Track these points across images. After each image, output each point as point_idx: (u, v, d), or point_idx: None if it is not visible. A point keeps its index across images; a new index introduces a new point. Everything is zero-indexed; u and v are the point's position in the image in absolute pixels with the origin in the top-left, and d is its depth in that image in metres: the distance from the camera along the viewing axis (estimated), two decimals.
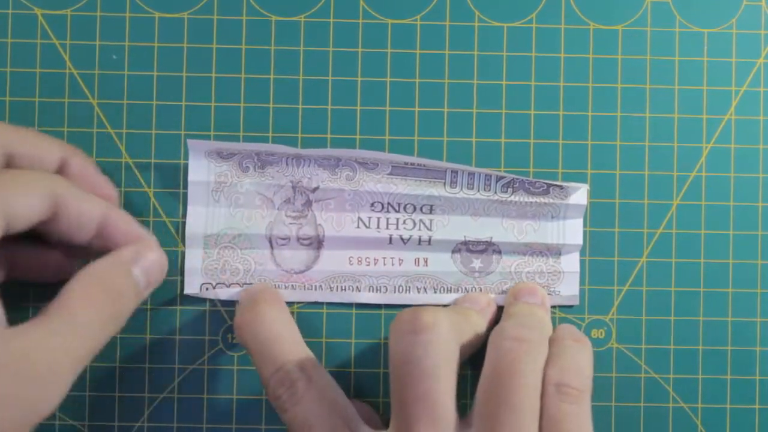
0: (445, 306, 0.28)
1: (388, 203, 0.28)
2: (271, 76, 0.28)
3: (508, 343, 0.24)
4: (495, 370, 0.23)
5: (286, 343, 0.25)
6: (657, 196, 0.28)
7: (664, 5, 0.29)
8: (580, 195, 0.28)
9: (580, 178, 0.28)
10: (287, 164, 0.28)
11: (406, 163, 0.27)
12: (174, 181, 0.28)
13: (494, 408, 0.22)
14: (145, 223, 0.28)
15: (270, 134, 0.28)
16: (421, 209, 0.28)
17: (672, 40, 0.29)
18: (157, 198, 0.28)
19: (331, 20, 0.28)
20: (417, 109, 0.28)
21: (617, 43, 0.28)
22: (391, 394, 0.24)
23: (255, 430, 0.28)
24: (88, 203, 0.24)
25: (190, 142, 0.27)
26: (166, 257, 0.26)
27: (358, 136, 0.28)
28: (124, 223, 0.25)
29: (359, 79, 0.28)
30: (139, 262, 0.24)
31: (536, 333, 0.25)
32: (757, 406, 0.28)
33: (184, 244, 0.28)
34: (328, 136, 0.28)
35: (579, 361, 0.24)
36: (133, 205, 0.28)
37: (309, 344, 0.28)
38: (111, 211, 0.24)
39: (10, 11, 0.28)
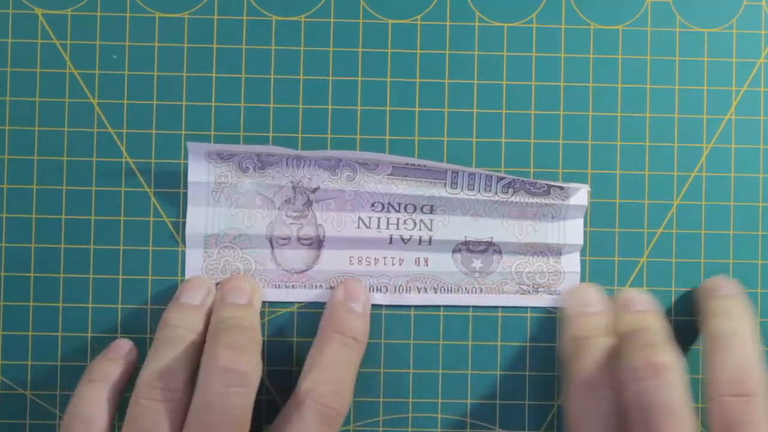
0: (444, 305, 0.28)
1: (389, 203, 0.28)
2: (271, 76, 0.28)
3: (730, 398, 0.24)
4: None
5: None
6: (657, 196, 0.28)
7: (664, 5, 0.29)
8: (580, 195, 0.28)
9: (580, 178, 0.28)
10: (287, 165, 0.28)
11: (406, 164, 0.27)
12: (174, 181, 0.28)
13: None
14: (145, 223, 0.28)
15: (270, 134, 0.28)
16: (421, 209, 0.28)
17: (672, 40, 0.29)
18: (157, 198, 0.28)
19: (332, 20, 0.28)
20: (417, 109, 0.28)
21: (618, 43, 0.28)
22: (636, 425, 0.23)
23: (256, 430, 0.28)
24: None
25: (189, 144, 0.27)
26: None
27: (358, 136, 0.28)
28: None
29: (359, 79, 0.28)
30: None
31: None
32: None
33: (184, 244, 0.28)
34: (328, 136, 0.28)
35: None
36: (133, 205, 0.28)
37: (309, 344, 0.28)
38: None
39: (10, 11, 0.28)
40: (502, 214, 0.28)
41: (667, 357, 0.23)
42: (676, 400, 0.23)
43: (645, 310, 0.26)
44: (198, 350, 0.25)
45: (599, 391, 0.24)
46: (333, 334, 0.26)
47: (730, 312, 0.25)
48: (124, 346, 0.27)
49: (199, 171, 0.27)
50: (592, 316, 0.26)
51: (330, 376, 0.25)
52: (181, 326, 0.25)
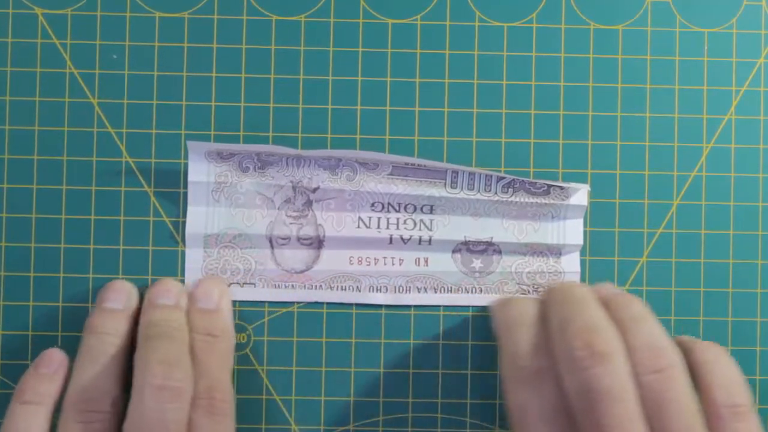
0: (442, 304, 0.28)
1: (389, 203, 0.28)
2: (271, 76, 0.28)
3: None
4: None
5: None
6: (657, 196, 0.28)
7: (664, 5, 0.29)
8: (580, 195, 0.28)
9: (580, 178, 0.28)
10: (287, 164, 0.28)
11: (406, 164, 0.27)
12: (174, 181, 0.28)
13: None
14: (145, 223, 0.28)
15: (270, 134, 0.28)
16: (421, 209, 0.28)
17: (672, 40, 0.29)
18: (157, 198, 0.28)
19: (332, 20, 0.28)
20: (417, 109, 0.28)
21: (617, 43, 0.28)
22: (581, 419, 0.22)
23: (256, 430, 0.28)
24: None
25: (189, 143, 0.27)
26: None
27: (358, 136, 0.28)
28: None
29: (359, 79, 0.28)
30: None
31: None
32: (757, 406, 0.28)
33: (184, 244, 0.28)
34: (328, 136, 0.28)
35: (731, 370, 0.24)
36: (133, 205, 0.28)
37: (309, 344, 0.28)
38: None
39: (10, 11, 0.28)
40: (502, 214, 0.28)
41: (607, 344, 0.23)
42: (618, 386, 0.22)
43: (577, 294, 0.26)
44: (125, 356, 0.25)
45: (540, 379, 0.23)
46: (194, 335, 0.26)
47: (624, 302, 0.25)
48: (55, 359, 0.26)
49: (199, 171, 0.27)
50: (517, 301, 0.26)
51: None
52: (105, 333, 0.25)
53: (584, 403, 0.22)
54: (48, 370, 0.26)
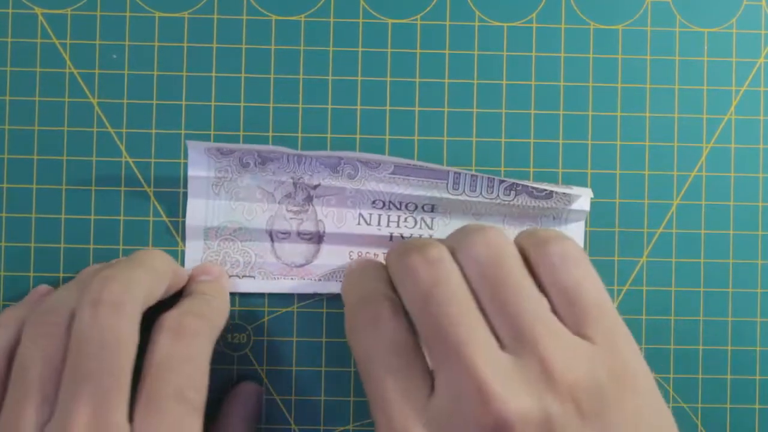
0: None
1: (390, 201, 0.28)
2: (271, 76, 0.28)
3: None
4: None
5: None
6: (657, 196, 0.28)
7: (664, 5, 0.29)
8: (583, 201, 0.28)
9: (580, 178, 0.28)
10: (288, 161, 0.28)
11: (408, 164, 0.27)
12: (174, 180, 0.28)
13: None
14: (145, 223, 0.28)
15: (270, 134, 0.28)
16: (422, 208, 0.28)
17: (672, 39, 0.29)
18: (157, 198, 0.28)
19: (331, 20, 0.28)
20: (417, 109, 0.28)
21: (617, 42, 0.28)
22: (423, 328, 0.21)
23: (256, 430, 0.28)
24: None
25: (189, 142, 0.27)
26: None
27: (358, 136, 0.28)
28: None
29: (359, 78, 0.28)
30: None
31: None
32: (757, 406, 0.28)
33: (184, 243, 0.28)
34: (328, 135, 0.28)
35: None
36: (133, 205, 0.28)
37: (309, 344, 0.28)
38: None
39: (10, 11, 0.28)
40: (503, 215, 0.28)
41: (433, 249, 0.22)
42: (450, 285, 0.21)
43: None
44: None
45: (379, 319, 0.22)
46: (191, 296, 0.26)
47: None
48: (39, 291, 0.26)
49: (199, 165, 0.27)
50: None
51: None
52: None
53: (419, 310, 0.21)
54: (29, 299, 0.26)
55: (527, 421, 0.19)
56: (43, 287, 0.27)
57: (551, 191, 0.27)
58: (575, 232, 0.28)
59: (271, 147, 0.27)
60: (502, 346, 0.20)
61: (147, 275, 0.23)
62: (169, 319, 0.23)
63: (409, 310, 0.22)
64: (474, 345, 0.20)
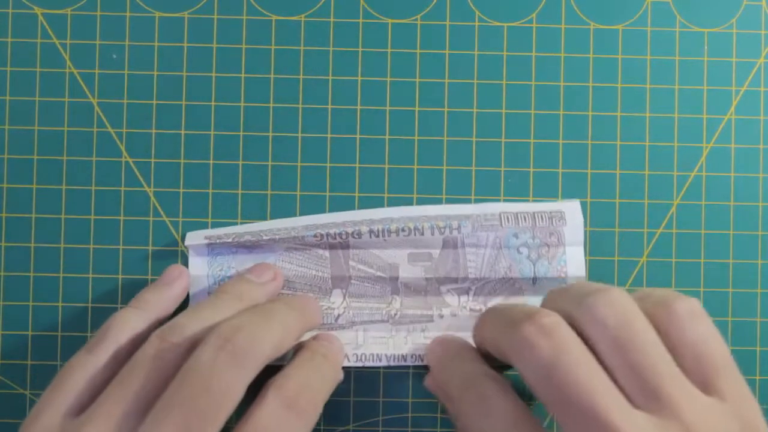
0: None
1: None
2: (271, 76, 0.28)
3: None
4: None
5: None
6: (657, 196, 0.28)
7: (664, 5, 0.29)
8: (573, 216, 0.28)
9: (580, 178, 0.28)
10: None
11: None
12: (174, 181, 0.28)
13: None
14: (145, 223, 0.28)
15: (270, 134, 0.28)
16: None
17: (672, 40, 0.29)
18: (157, 198, 0.28)
19: (332, 20, 0.28)
20: (417, 109, 0.28)
21: (617, 43, 0.28)
22: (551, 399, 0.21)
23: None
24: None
25: (188, 235, 0.28)
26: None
27: (358, 136, 0.28)
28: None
29: (359, 78, 0.28)
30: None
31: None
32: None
33: (184, 244, 0.28)
34: (328, 135, 0.28)
35: None
36: (133, 205, 0.28)
37: None
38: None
39: (10, 11, 0.28)
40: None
41: (548, 315, 0.22)
42: (571, 351, 0.21)
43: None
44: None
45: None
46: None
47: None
48: (174, 273, 0.27)
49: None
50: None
51: None
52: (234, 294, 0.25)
53: (545, 381, 0.21)
54: (162, 282, 0.27)
55: None
56: (177, 268, 0.27)
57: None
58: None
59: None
60: (635, 406, 0.20)
61: (279, 333, 0.23)
62: (287, 386, 0.22)
63: (532, 384, 0.21)
64: (611, 405, 0.20)
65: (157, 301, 0.26)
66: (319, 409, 0.23)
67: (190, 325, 0.23)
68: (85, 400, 0.22)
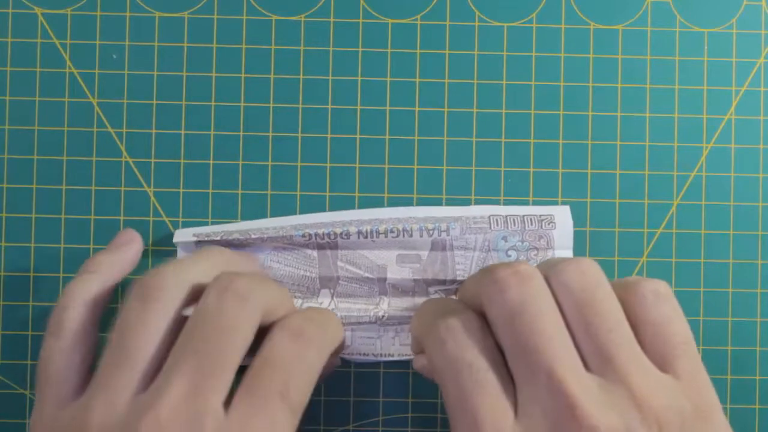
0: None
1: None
2: (271, 76, 0.28)
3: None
4: None
5: None
6: (657, 196, 0.28)
7: (664, 5, 0.29)
8: (563, 222, 0.28)
9: (580, 178, 0.28)
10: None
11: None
12: (174, 180, 0.28)
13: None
14: (145, 223, 0.28)
15: (270, 134, 0.28)
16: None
17: (672, 40, 0.29)
18: (157, 198, 0.28)
19: (332, 20, 0.28)
20: (417, 109, 0.28)
21: (617, 43, 0.28)
22: (510, 343, 0.21)
23: None
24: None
25: (177, 233, 0.27)
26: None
27: (358, 136, 0.28)
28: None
29: (359, 78, 0.28)
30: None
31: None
32: (757, 406, 0.28)
33: (173, 241, 0.28)
34: (328, 135, 0.28)
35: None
36: (133, 205, 0.28)
37: None
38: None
39: (10, 11, 0.28)
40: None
41: (527, 267, 0.22)
42: (540, 301, 0.21)
43: None
44: None
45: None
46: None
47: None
48: (125, 236, 0.26)
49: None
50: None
51: None
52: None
53: (508, 324, 0.21)
54: (114, 245, 0.26)
55: None
56: (129, 232, 0.27)
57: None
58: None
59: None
60: (588, 368, 0.21)
61: (276, 290, 0.24)
62: (291, 321, 0.23)
63: (496, 324, 0.22)
64: (564, 363, 0.20)
65: (110, 263, 0.25)
66: (327, 344, 0.23)
67: (177, 275, 0.23)
68: (76, 381, 0.22)
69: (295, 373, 0.21)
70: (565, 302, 0.22)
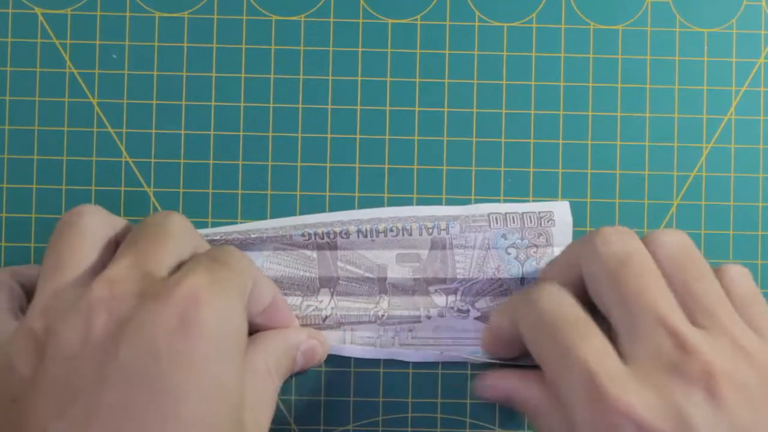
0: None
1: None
2: (271, 76, 0.28)
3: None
4: None
5: None
6: (657, 196, 0.28)
7: (664, 5, 0.29)
8: (561, 217, 0.28)
9: (580, 178, 0.28)
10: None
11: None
12: (174, 181, 0.28)
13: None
14: None
15: (270, 134, 0.28)
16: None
17: (672, 40, 0.29)
18: (157, 198, 0.28)
19: (332, 20, 0.28)
20: (417, 109, 0.28)
21: (617, 43, 0.28)
22: (615, 294, 0.22)
23: None
24: (268, 285, 0.25)
25: None
26: (326, 346, 0.27)
27: (358, 136, 0.28)
28: (286, 308, 0.26)
29: (359, 78, 0.28)
30: (303, 345, 0.26)
31: None
32: None
33: None
34: (328, 135, 0.28)
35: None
36: (133, 205, 0.28)
37: None
38: (279, 295, 0.26)
39: (10, 11, 0.28)
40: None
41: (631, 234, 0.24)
42: (644, 260, 0.23)
43: None
44: None
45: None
46: None
47: None
48: None
49: None
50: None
51: None
52: None
53: (612, 275, 0.22)
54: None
55: (731, 378, 0.20)
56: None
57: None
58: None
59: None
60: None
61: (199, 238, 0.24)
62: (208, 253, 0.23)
63: (597, 279, 0.23)
64: (673, 312, 0.21)
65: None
66: (246, 272, 0.23)
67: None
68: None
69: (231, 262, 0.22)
70: (665, 261, 0.23)
